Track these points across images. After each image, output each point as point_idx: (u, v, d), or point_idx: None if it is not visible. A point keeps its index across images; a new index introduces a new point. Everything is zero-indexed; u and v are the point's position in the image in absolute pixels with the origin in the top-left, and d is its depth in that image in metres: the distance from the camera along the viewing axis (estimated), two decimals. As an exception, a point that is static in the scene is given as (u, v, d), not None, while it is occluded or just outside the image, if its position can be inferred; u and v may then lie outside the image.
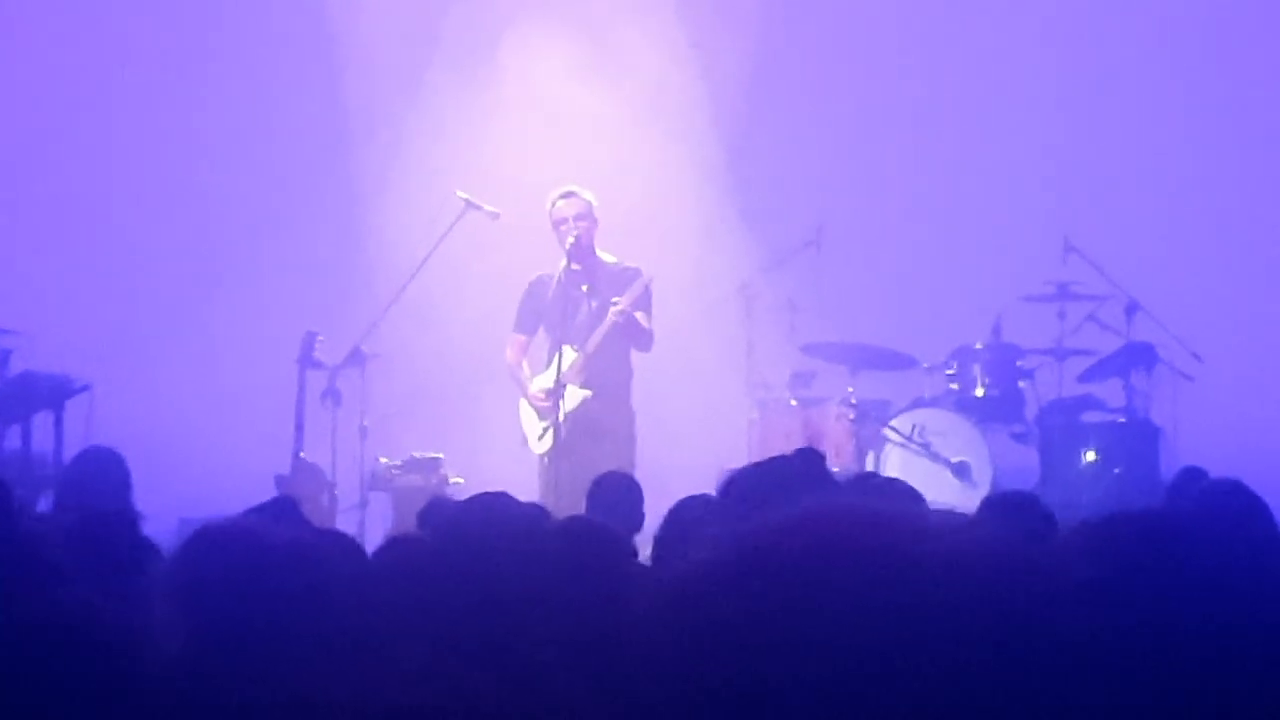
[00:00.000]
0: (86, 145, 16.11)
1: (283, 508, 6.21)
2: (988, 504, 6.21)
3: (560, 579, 4.77)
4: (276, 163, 16.15)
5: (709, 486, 7.02)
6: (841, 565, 2.07)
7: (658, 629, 2.16)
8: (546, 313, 12.21)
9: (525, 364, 12.39)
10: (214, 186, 16.14)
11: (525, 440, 12.25)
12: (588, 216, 12.16)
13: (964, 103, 16.29)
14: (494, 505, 4.96)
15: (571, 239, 12.03)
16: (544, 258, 12.44)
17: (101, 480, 8.46)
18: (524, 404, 12.28)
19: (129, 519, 5.66)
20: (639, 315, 12.05)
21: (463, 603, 4.33)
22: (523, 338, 12.43)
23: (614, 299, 11.98)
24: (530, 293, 12.38)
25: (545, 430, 12.00)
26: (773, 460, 5.68)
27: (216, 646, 3.98)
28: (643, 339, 12.15)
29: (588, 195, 12.24)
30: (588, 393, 12.00)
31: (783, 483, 4.87)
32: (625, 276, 12.16)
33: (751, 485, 4.92)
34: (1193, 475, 7.71)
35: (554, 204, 12.19)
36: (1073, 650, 2.15)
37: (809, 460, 5.85)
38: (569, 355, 11.99)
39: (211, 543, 4.33)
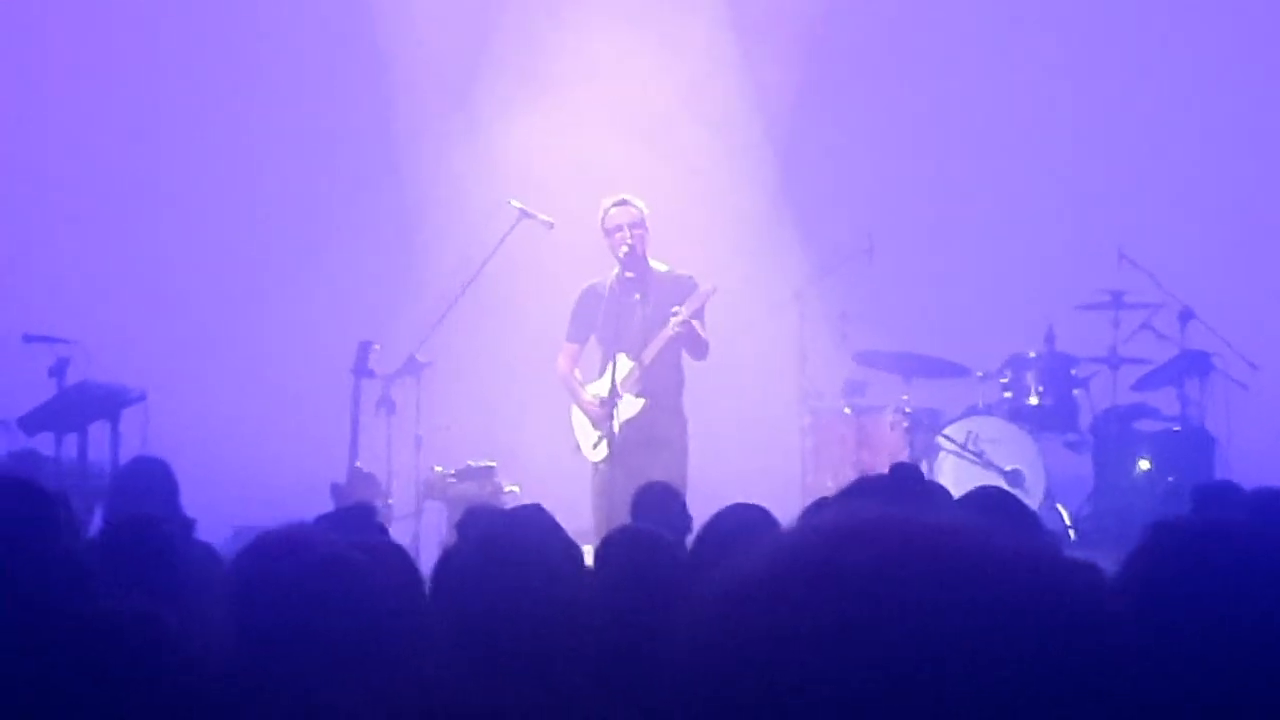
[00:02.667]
0: (140, 156, 16.20)
1: (359, 517, 6.26)
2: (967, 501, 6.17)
3: (599, 591, 4.79)
4: (332, 172, 16.23)
5: (761, 495, 7.02)
6: (885, 578, 2.04)
7: (697, 636, 2.14)
8: (599, 321, 12.17)
9: (577, 372, 12.38)
10: (269, 196, 16.21)
11: (578, 448, 12.24)
12: (641, 225, 12.13)
13: (1017, 111, 16.26)
14: (530, 520, 4.99)
15: (625, 247, 12.01)
16: (596, 266, 12.44)
17: (150, 490, 8.50)
18: (576, 412, 12.26)
19: (179, 523, 5.71)
20: (696, 324, 12.04)
21: (502, 614, 4.36)
22: (575, 346, 12.40)
23: (674, 308, 11.95)
24: (583, 301, 12.35)
25: (600, 439, 11.99)
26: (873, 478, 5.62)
27: (269, 653, 4.02)
28: (700, 348, 12.12)
29: (639, 203, 12.23)
30: (645, 400, 11.98)
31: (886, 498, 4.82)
32: (679, 285, 12.14)
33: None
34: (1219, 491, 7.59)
35: (606, 212, 12.18)
36: (1120, 672, 2.13)
37: (906, 474, 5.84)
38: (624, 364, 11.99)
39: (268, 551, 4.38)
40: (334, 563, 4.21)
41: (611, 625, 4.59)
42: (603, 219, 12.17)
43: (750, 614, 2.05)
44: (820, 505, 5.57)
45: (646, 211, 12.20)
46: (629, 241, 12.00)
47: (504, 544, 4.65)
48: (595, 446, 12.04)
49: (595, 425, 12.05)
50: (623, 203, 12.18)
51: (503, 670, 4.08)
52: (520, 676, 4.02)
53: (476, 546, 4.69)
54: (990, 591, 2.02)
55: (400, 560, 4.52)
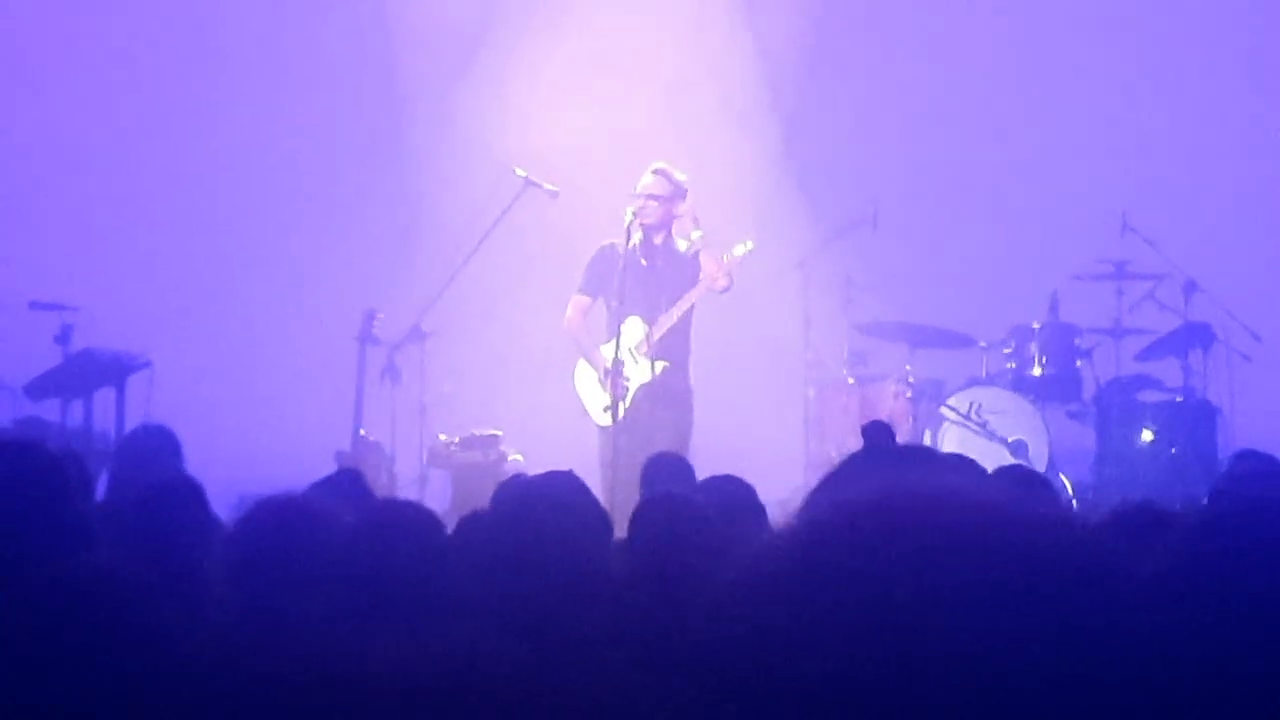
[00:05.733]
0: (144, 123, 16.19)
1: (347, 481, 6.28)
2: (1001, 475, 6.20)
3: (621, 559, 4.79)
4: (337, 140, 16.22)
5: (764, 463, 7.06)
6: (921, 546, 2.04)
7: (723, 609, 2.15)
8: (612, 282, 11.98)
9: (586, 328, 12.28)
10: (275, 164, 16.21)
11: (583, 412, 12.14)
12: (656, 198, 11.98)
13: (1022, 80, 16.25)
14: (562, 485, 4.98)
15: (629, 215, 11.90)
16: (600, 235, 12.39)
17: (154, 456, 8.52)
18: (583, 375, 12.17)
19: (194, 488, 5.73)
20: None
21: (521, 580, 4.36)
22: (586, 299, 12.24)
23: (702, 275, 11.89)
24: (599, 258, 12.18)
25: (611, 402, 11.89)
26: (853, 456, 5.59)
27: (266, 618, 4.04)
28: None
29: (680, 176, 12.06)
30: (662, 364, 11.92)
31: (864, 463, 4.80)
32: (696, 263, 12.04)
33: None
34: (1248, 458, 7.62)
35: (641, 177, 12.03)
36: (1144, 644, 2.12)
37: (878, 433, 5.85)
38: (635, 329, 11.93)
39: (267, 518, 4.40)
40: (338, 528, 4.23)
41: (642, 592, 4.59)
42: (657, 182, 12.04)
43: (775, 590, 2.05)
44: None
45: (667, 187, 12.03)
46: (636, 211, 11.91)
47: (534, 509, 4.66)
48: (606, 410, 11.94)
49: (606, 388, 11.95)
50: (655, 172, 12.09)
51: (527, 634, 4.10)
52: (547, 642, 4.03)
53: (506, 511, 4.69)
54: (1008, 558, 2.02)
55: (423, 521, 4.50)
